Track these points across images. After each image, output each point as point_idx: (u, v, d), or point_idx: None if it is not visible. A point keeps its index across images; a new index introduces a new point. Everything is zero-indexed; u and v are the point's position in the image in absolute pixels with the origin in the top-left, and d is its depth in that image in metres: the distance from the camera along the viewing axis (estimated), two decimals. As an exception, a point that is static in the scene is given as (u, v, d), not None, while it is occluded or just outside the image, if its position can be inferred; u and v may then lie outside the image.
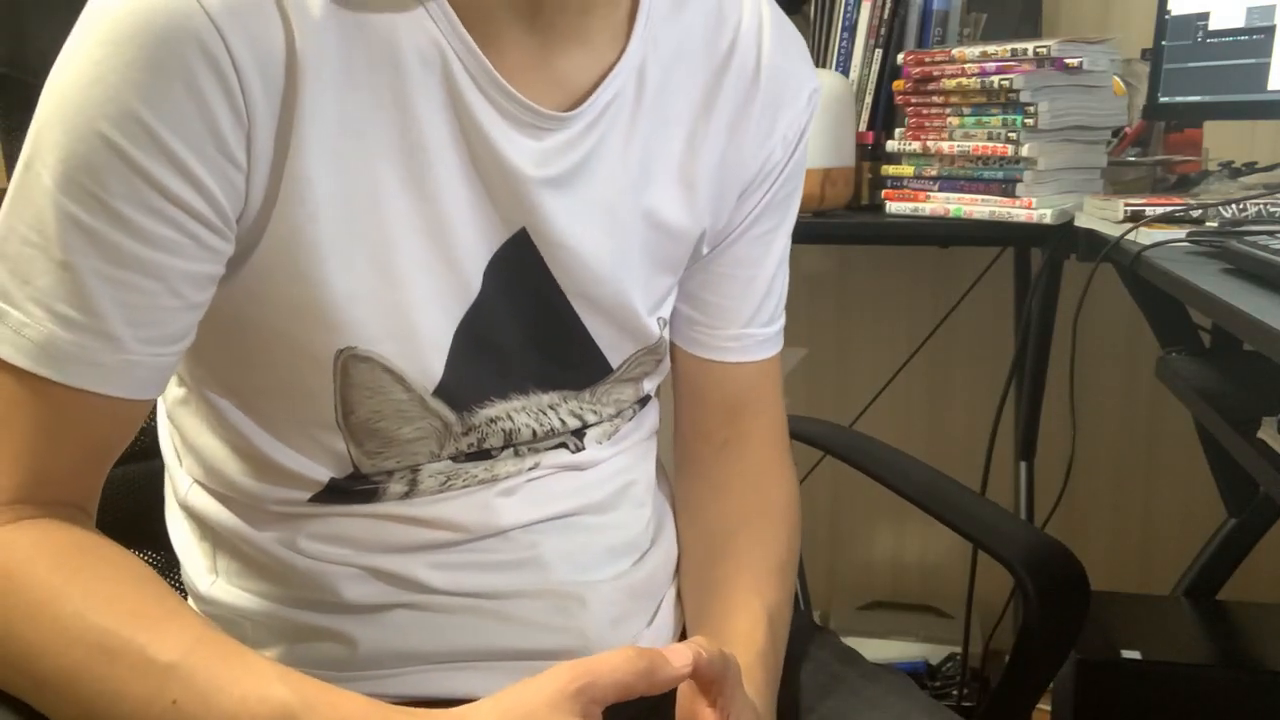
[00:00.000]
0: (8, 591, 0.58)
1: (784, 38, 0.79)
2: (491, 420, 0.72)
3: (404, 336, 0.66)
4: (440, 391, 0.68)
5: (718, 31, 0.75)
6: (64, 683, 0.57)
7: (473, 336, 0.68)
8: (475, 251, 0.67)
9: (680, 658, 0.58)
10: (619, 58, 0.70)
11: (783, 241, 0.84)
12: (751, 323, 0.83)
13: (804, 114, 0.80)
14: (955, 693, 1.79)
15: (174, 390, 0.75)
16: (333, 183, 0.62)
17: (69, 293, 0.58)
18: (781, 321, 0.86)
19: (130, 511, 0.85)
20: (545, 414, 0.74)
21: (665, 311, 0.79)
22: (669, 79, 0.73)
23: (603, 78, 0.69)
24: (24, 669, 0.58)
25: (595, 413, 0.77)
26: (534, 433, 0.74)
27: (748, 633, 0.75)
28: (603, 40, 0.70)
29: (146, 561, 0.88)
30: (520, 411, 0.73)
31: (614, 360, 0.76)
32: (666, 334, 0.80)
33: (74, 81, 0.57)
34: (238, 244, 0.62)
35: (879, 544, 2.13)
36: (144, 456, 0.84)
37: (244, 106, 0.58)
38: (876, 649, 1.89)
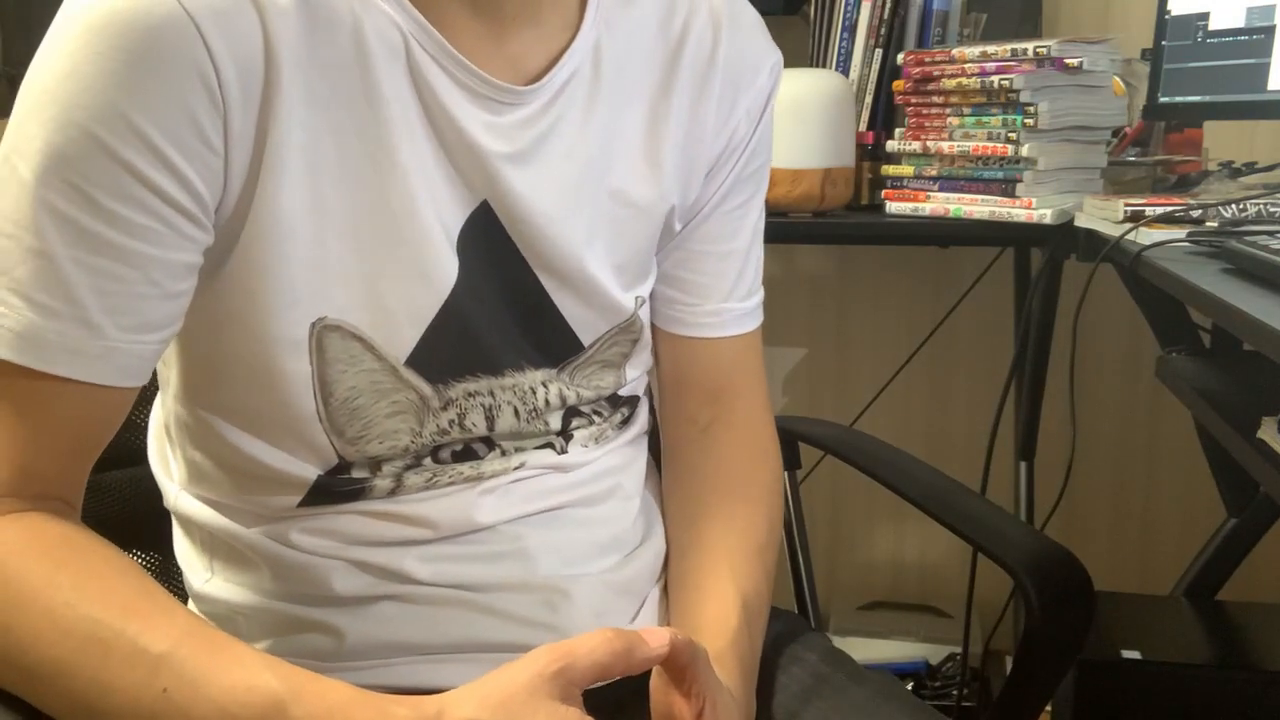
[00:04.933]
0: None
1: (739, 18, 0.81)
2: (470, 394, 0.73)
3: (373, 306, 0.68)
4: (413, 362, 0.70)
5: (669, 18, 0.78)
6: (55, 674, 0.57)
7: (455, 313, 0.70)
8: (445, 225, 0.69)
9: (657, 639, 0.60)
10: (573, 40, 0.72)
11: (756, 214, 0.86)
12: (730, 297, 0.84)
13: (766, 87, 0.82)
14: (955, 693, 1.79)
15: (164, 406, 0.75)
16: (305, 162, 0.64)
17: (48, 282, 0.59)
18: (760, 296, 0.87)
19: (129, 513, 0.85)
20: (529, 395, 0.75)
21: (643, 290, 0.80)
22: (625, 61, 0.75)
23: (557, 59, 0.71)
24: (15, 661, 0.58)
25: (577, 395, 0.77)
26: (516, 411, 0.75)
27: (721, 618, 0.75)
28: (553, 23, 0.72)
29: (144, 563, 0.89)
30: (502, 389, 0.74)
31: (585, 338, 0.77)
32: (645, 315, 0.81)
33: (53, 78, 0.59)
34: (222, 234, 0.64)
35: (879, 544, 2.13)
36: (142, 459, 0.84)
37: (220, 94, 0.60)
38: (876, 649, 1.88)
